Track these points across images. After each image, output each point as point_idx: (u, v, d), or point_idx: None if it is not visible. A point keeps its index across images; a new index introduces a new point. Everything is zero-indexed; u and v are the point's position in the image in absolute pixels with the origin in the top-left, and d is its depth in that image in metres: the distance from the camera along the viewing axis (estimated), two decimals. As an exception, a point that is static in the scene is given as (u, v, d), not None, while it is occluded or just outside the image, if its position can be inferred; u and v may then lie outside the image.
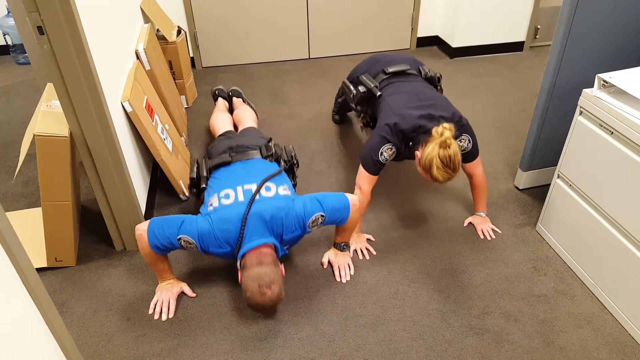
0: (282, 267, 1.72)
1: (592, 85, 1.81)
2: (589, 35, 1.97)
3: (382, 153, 1.96)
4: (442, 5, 3.99)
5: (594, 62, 2.04)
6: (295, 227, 1.77)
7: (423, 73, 2.25)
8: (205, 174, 2.03)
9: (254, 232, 1.71)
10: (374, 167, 1.99)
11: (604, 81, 1.75)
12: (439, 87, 2.30)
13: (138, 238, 1.73)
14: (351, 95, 2.29)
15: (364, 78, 2.25)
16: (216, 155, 2.09)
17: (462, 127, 1.97)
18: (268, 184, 1.83)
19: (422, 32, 4.13)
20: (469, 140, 2.00)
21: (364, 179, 2.02)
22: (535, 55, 4.02)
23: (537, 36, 4.07)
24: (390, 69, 2.20)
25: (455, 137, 1.94)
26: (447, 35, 4.02)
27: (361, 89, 2.21)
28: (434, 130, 1.82)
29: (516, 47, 4.06)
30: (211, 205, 1.80)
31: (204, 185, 2.00)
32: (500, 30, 3.94)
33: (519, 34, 4.00)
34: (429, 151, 1.80)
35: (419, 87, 2.10)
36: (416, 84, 2.13)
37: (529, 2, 3.82)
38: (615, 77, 1.72)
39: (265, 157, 2.06)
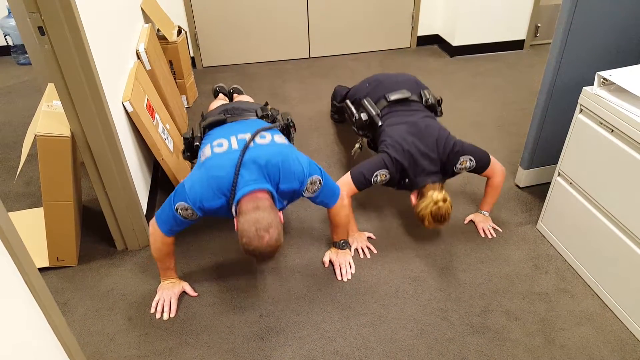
0: (280, 214, 1.64)
1: (592, 83, 1.81)
2: (589, 33, 1.97)
3: (376, 175, 1.99)
4: (443, 4, 3.99)
5: (594, 60, 2.04)
6: (293, 177, 1.70)
7: (424, 99, 2.27)
8: (199, 134, 1.98)
9: (249, 179, 1.63)
10: (361, 183, 2.00)
11: (604, 79, 1.75)
12: (439, 111, 2.33)
13: (152, 233, 1.74)
14: (353, 119, 2.33)
15: (366, 103, 2.27)
16: (211, 116, 2.02)
17: (457, 153, 2.02)
18: (263, 133, 1.77)
19: (422, 31, 4.13)
20: (470, 159, 2.04)
21: (347, 186, 2.01)
22: (535, 53, 4.02)
23: (538, 34, 4.06)
24: (392, 97, 2.22)
25: (454, 163, 2.02)
26: (447, 34, 4.02)
27: (363, 116, 2.24)
28: (429, 192, 1.93)
29: (516, 45, 4.06)
30: (204, 155, 1.74)
31: (197, 144, 1.95)
32: (500, 29, 3.94)
33: (519, 33, 4.00)
34: (423, 207, 1.93)
35: (419, 118, 2.12)
36: (416, 114, 2.16)
37: (529, 0, 3.82)
38: (615, 75, 1.72)
39: (261, 117, 2.01)
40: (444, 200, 1.90)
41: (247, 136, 1.75)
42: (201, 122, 2.03)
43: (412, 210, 2.16)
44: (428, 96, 2.27)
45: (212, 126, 1.95)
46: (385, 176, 2.00)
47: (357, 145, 2.46)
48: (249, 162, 1.64)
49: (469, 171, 2.07)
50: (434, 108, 2.29)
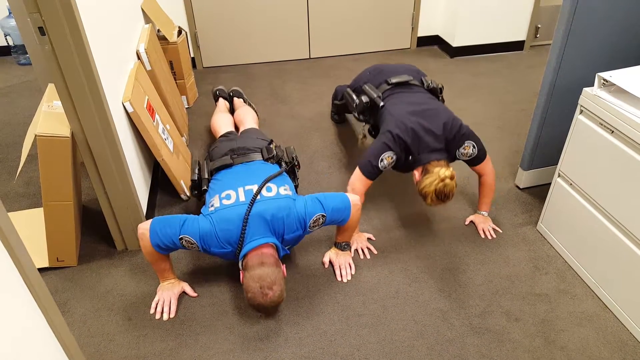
0: (283, 267, 1.73)
1: (592, 84, 1.81)
2: (589, 34, 1.97)
3: (382, 160, 1.97)
4: (443, 4, 3.99)
5: (594, 60, 2.04)
6: (296, 227, 1.77)
7: (425, 84, 2.26)
8: (206, 176, 2.05)
9: (255, 232, 1.71)
10: (371, 173, 2.00)
11: (604, 80, 1.75)
12: (440, 98, 2.31)
13: (140, 237, 1.74)
14: (354, 105, 2.31)
15: (367, 88, 2.26)
16: (217, 157, 2.10)
17: (463, 136, 2.00)
18: (269, 184, 1.84)
19: (422, 32, 4.13)
20: (474, 146, 2.02)
21: (359, 181, 2.02)
22: (535, 54, 4.02)
23: (538, 35, 4.06)
24: (393, 80, 2.21)
25: (458, 146, 2.00)
26: (447, 34, 4.02)
27: (364, 98, 2.23)
28: (435, 169, 1.88)
29: (517, 46, 4.06)
30: (212, 205, 1.80)
31: (205, 188, 2.02)
32: (500, 30, 3.94)
33: (519, 33, 4.00)
34: (427, 184, 1.87)
35: (421, 98, 2.11)
36: (418, 94, 2.15)
37: (529, 1, 3.82)
38: (616, 76, 1.72)
39: (267, 160, 2.07)
40: (451, 178, 1.85)
41: (254, 188, 1.82)
42: (207, 159, 2.14)
43: (413, 207, 2.16)
44: (429, 82, 2.27)
45: (219, 169, 2.04)
46: (392, 158, 1.98)
47: (361, 135, 2.44)
48: (255, 216, 1.72)
49: (464, 159, 2.06)
50: (436, 93, 2.27)
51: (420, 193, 1.92)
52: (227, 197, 1.81)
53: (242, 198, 1.78)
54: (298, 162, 2.16)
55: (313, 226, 1.81)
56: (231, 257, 1.78)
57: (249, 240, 1.71)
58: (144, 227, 1.73)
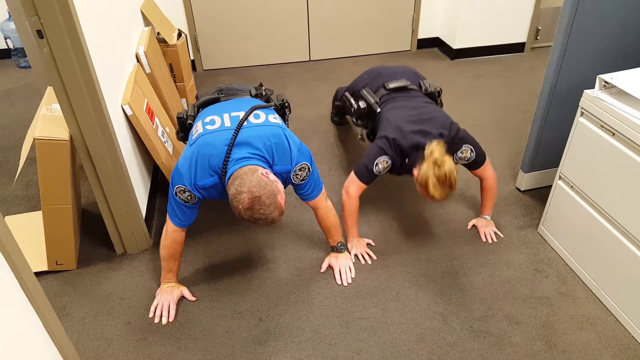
0: (280, 190, 1.56)
1: (593, 86, 1.80)
2: (590, 36, 1.96)
3: (377, 164, 1.96)
4: (443, 6, 3.99)
5: (595, 63, 2.03)
6: (286, 159, 1.67)
7: (423, 88, 2.26)
8: (192, 113, 1.95)
9: (240, 157, 1.59)
10: (366, 177, 1.99)
11: (605, 82, 1.74)
12: (439, 101, 2.31)
13: (165, 228, 1.77)
14: (352, 110, 2.31)
15: (365, 93, 2.26)
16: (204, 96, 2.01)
17: (461, 140, 1.99)
18: (257, 112, 1.72)
19: (422, 34, 4.13)
20: (471, 150, 2.01)
21: (354, 184, 2.01)
22: (536, 56, 4.02)
23: (538, 37, 4.06)
24: (391, 85, 2.21)
25: (456, 150, 1.98)
26: (447, 36, 4.02)
27: (361, 104, 2.22)
28: (427, 151, 1.83)
29: (517, 48, 4.05)
30: (196, 132, 1.70)
31: (190, 122, 1.91)
32: (501, 32, 3.94)
33: (519, 35, 4.00)
34: (424, 170, 1.81)
35: (418, 103, 2.11)
36: (416, 99, 2.15)
37: (529, 3, 3.82)
38: (617, 78, 1.71)
39: (255, 96, 1.98)
40: (442, 154, 1.79)
41: (241, 114, 1.69)
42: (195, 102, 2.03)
43: (412, 210, 2.16)
44: (427, 85, 2.26)
45: (206, 105, 1.93)
46: (387, 162, 1.97)
47: (359, 136, 2.41)
48: (241, 143, 1.60)
49: (463, 164, 2.05)
50: (434, 97, 2.27)
51: (421, 186, 1.83)
52: (212, 122, 1.68)
53: (227, 123, 1.65)
54: (289, 105, 2.04)
55: (297, 173, 1.70)
56: (221, 191, 1.64)
57: (233, 165, 1.56)
58: (167, 217, 1.75)
